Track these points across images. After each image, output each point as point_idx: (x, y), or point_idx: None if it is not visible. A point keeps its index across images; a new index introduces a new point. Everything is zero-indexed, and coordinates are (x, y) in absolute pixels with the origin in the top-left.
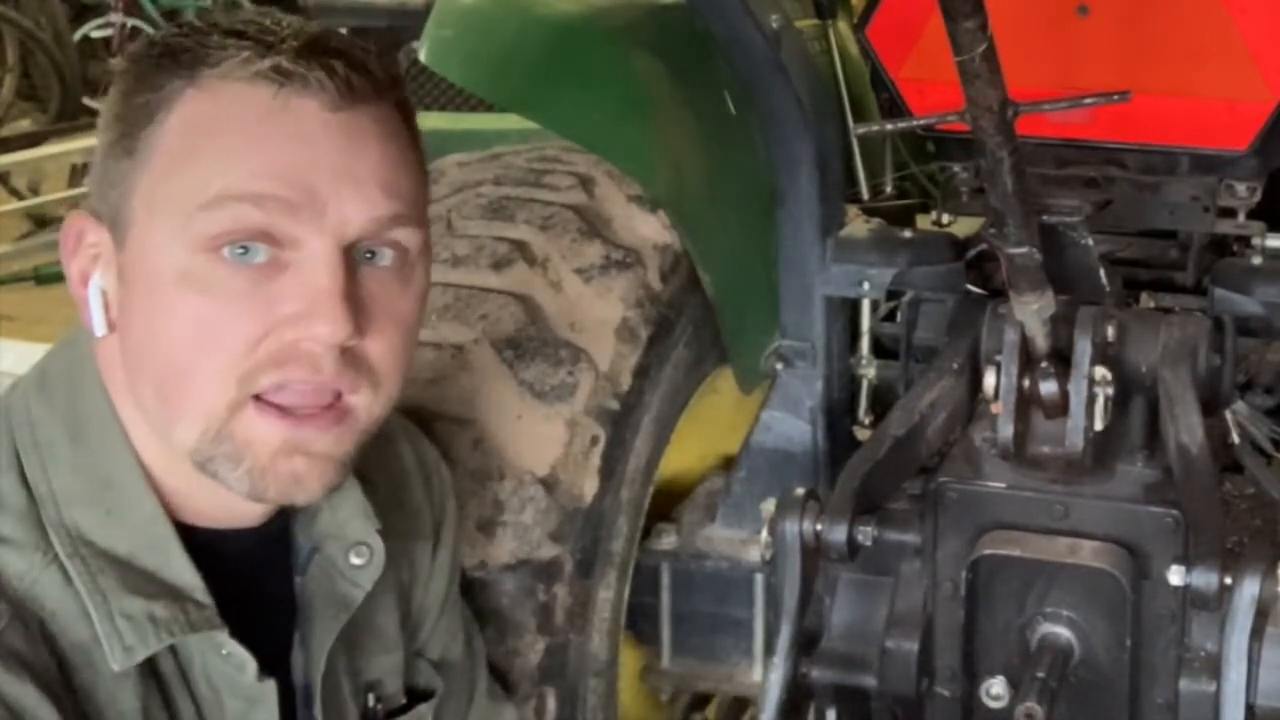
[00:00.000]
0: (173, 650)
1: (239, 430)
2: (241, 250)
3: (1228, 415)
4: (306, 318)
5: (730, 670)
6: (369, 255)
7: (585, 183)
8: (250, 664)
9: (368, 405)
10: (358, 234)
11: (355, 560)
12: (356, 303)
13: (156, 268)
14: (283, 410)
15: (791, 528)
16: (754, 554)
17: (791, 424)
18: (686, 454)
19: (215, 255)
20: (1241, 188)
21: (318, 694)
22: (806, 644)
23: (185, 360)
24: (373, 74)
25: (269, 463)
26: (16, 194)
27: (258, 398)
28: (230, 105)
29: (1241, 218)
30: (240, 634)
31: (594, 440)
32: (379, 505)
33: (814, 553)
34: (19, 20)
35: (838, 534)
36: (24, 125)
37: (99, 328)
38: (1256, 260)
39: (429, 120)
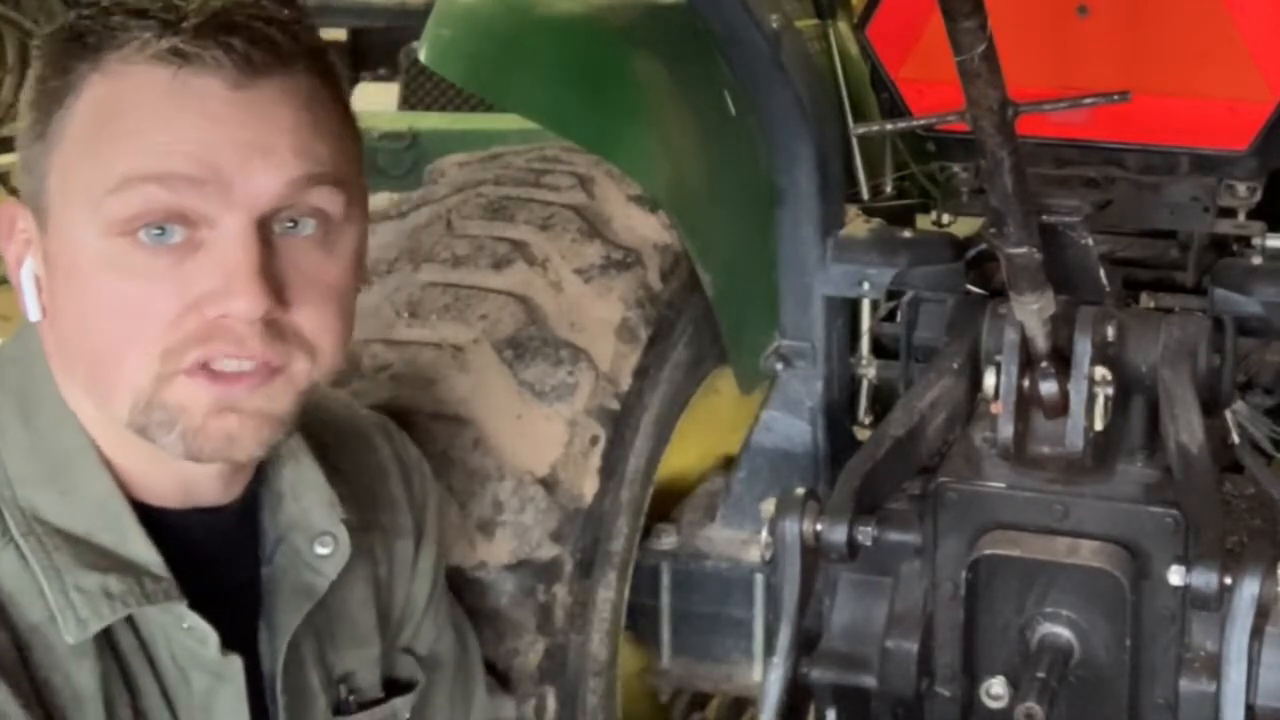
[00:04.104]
0: (133, 626)
1: (169, 397)
2: (158, 231)
3: (1228, 415)
4: (223, 295)
5: (730, 670)
6: (290, 225)
7: (585, 183)
8: (212, 636)
9: (304, 370)
10: (271, 204)
11: (320, 550)
12: (276, 275)
13: (75, 253)
14: (212, 374)
15: (791, 528)
16: (754, 554)
17: (791, 424)
18: (686, 454)
19: (131, 238)
20: (1241, 188)
21: (278, 682)
22: (806, 644)
23: (109, 341)
24: (277, 45)
25: (201, 423)
26: (16, 194)
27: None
28: (131, 89)
29: (1241, 218)
30: (210, 617)
31: (594, 440)
32: (350, 497)
33: (814, 553)
34: (19, 20)
35: (838, 534)
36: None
37: (34, 312)
38: (1256, 260)
39: (429, 120)
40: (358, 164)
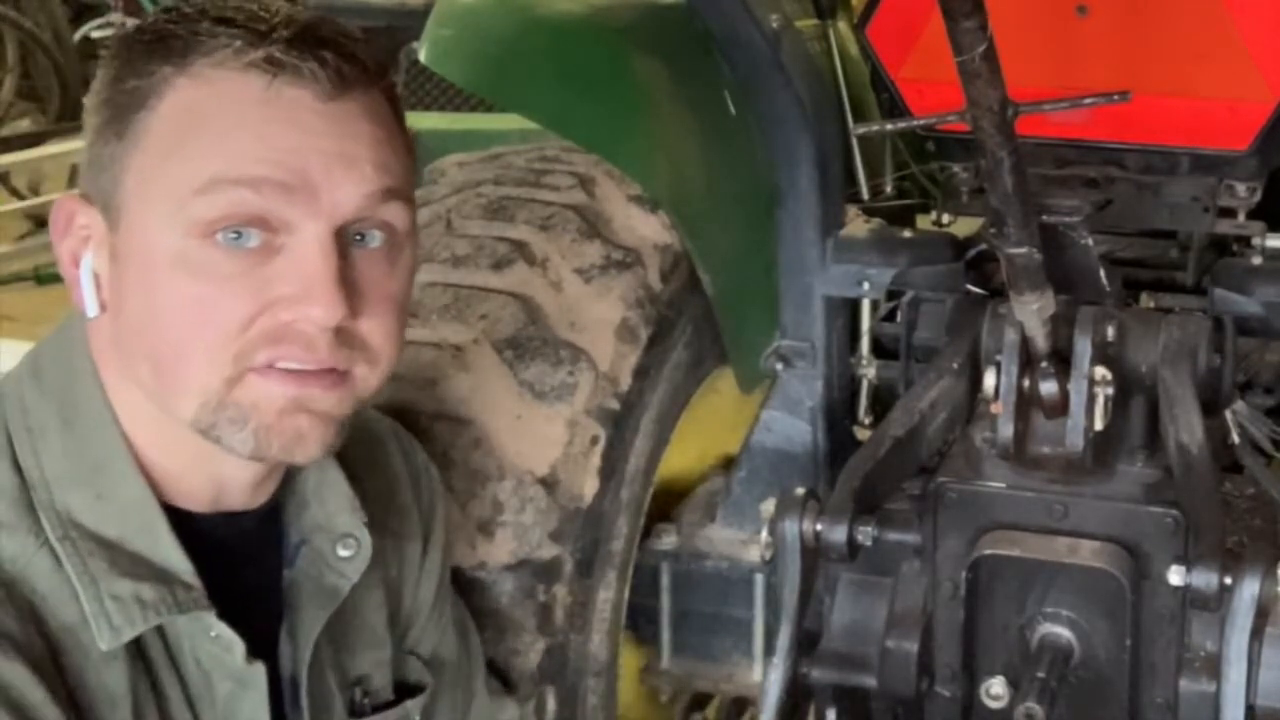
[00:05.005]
0: (161, 633)
1: (242, 396)
2: (235, 235)
3: (1228, 415)
4: (301, 300)
5: (730, 670)
6: (359, 238)
7: (585, 183)
8: (238, 645)
9: (365, 376)
10: (350, 215)
11: (343, 552)
12: (349, 284)
13: (151, 250)
14: (281, 372)
15: (791, 528)
16: (754, 554)
17: (791, 424)
18: (686, 454)
19: (209, 240)
20: (1241, 188)
21: (304, 685)
22: (806, 644)
23: (180, 339)
24: (363, 62)
25: (275, 420)
26: (16, 194)
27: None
28: (223, 94)
29: (1241, 218)
30: (231, 621)
31: (594, 440)
32: (367, 502)
33: (814, 553)
34: (19, 20)
35: (838, 534)
36: (24, 125)
37: (91, 308)
38: (1256, 260)
39: (429, 120)
40: (414, 181)
